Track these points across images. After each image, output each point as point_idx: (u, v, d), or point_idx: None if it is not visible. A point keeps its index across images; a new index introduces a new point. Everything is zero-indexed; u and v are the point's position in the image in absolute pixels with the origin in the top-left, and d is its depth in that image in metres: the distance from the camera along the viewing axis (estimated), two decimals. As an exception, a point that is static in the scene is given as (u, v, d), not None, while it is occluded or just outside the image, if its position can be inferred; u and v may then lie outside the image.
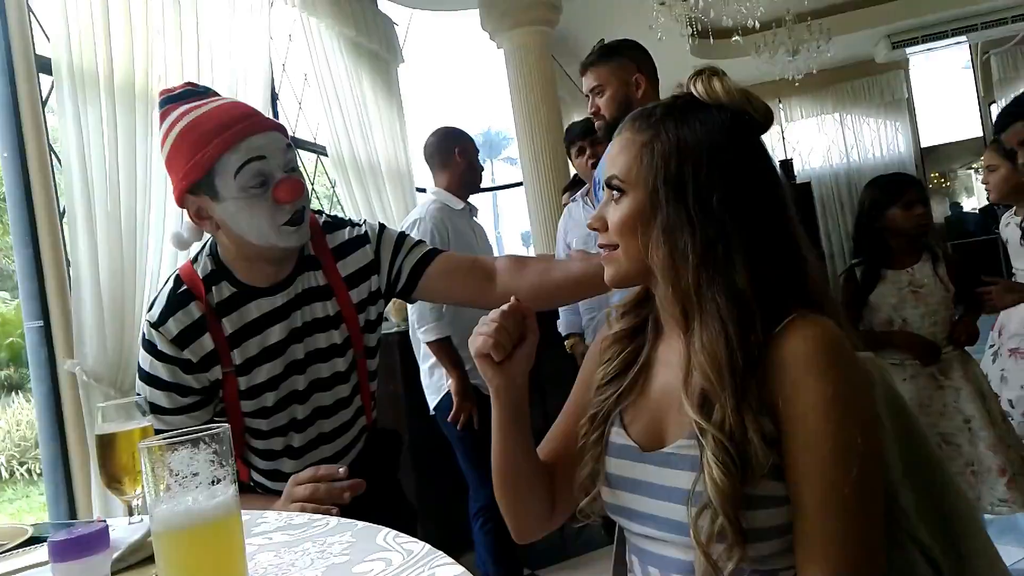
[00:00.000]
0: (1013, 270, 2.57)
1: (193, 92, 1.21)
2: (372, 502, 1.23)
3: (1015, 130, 2.14)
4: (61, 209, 2.15)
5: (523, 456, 0.92)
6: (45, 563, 0.65)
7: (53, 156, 2.19)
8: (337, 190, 4.24)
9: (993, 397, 2.28)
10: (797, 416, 0.73)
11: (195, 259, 1.26)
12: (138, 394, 1.23)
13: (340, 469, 1.13)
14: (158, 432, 1.11)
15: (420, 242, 1.39)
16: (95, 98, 2.19)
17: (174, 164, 1.16)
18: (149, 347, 1.21)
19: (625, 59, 2.11)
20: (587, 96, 2.17)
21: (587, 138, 2.90)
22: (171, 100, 1.19)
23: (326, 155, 4.13)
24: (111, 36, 2.26)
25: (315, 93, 3.94)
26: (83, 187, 2.12)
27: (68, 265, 2.14)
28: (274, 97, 3.34)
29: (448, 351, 2.41)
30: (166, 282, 1.25)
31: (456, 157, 2.57)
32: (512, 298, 0.88)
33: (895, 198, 2.31)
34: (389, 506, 1.36)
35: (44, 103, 2.19)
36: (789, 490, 0.74)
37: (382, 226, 1.38)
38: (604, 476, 0.89)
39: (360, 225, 1.36)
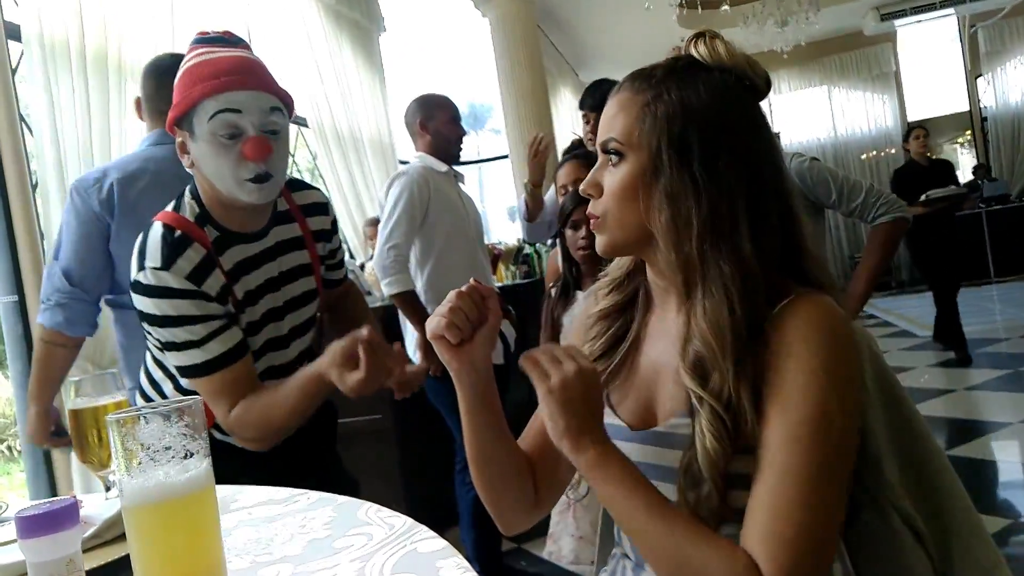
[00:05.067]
0: None
1: (222, 40, 1.27)
2: (311, 474, 1.23)
3: (566, 171, 2.04)
4: (34, 182, 2.10)
5: (494, 441, 0.87)
6: (13, 541, 0.63)
7: (24, 126, 2.13)
8: (318, 162, 4.18)
9: None
10: (781, 382, 0.71)
11: (176, 207, 1.27)
12: (162, 344, 1.23)
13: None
14: (211, 365, 1.19)
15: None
16: (66, 68, 2.13)
17: (175, 97, 1.24)
18: (163, 291, 1.20)
19: None
20: None
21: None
22: (198, 41, 1.26)
23: (307, 127, 4.06)
24: (82, 3, 2.20)
25: (294, 62, 3.86)
26: (56, 158, 2.07)
27: (42, 238, 2.09)
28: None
29: (413, 304, 2.34)
30: (145, 235, 1.23)
31: (419, 129, 2.52)
32: (471, 279, 0.85)
33: (566, 219, 1.92)
34: (329, 478, 1.35)
35: (14, 71, 2.13)
36: (757, 456, 0.71)
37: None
38: None
39: (320, 190, 1.47)
